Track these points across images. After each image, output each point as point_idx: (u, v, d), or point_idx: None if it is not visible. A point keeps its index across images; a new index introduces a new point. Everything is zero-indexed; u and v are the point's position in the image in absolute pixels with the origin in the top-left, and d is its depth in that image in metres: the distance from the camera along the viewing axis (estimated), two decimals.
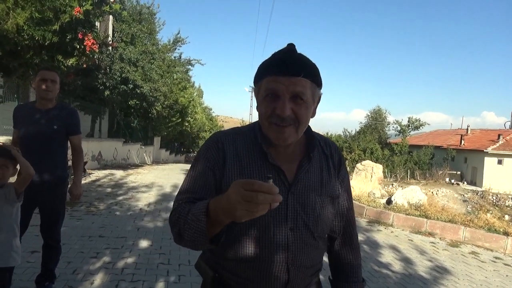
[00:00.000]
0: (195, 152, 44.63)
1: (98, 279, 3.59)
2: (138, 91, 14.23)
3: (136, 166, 17.02)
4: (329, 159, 1.28)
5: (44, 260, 3.14)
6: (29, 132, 2.99)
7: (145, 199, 7.93)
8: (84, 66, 8.71)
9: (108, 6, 7.68)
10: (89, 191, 8.30)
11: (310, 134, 1.27)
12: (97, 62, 13.08)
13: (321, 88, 1.19)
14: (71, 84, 12.52)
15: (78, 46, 7.45)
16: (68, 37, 7.21)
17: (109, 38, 13.95)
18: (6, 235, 2.34)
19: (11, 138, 8.53)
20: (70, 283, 3.46)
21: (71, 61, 7.72)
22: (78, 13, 6.89)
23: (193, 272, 3.83)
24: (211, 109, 48.27)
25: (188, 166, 22.96)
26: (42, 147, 2.95)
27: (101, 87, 13.44)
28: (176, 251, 4.41)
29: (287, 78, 1.08)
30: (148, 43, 17.55)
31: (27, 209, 2.97)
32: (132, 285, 3.46)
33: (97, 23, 9.51)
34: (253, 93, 1.23)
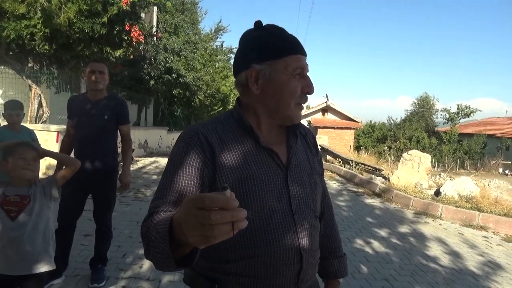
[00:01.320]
0: None
1: (146, 263, 3.74)
2: (181, 81, 14.52)
3: None
4: (307, 138, 1.28)
5: (96, 244, 3.32)
6: (82, 122, 3.13)
7: None
8: (131, 57, 9.00)
9: None
10: (136, 178, 8.64)
11: None
12: (142, 53, 13.51)
13: None
14: (119, 74, 13.03)
15: (125, 38, 7.72)
16: (116, 29, 7.47)
17: (154, 29, 14.31)
18: (43, 237, 2.10)
19: (65, 127, 9.02)
20: (120, 266, 3.64)
21: (118, 52, 8.01)
22: (125, 5, 7.11)
23: None
24: None
25: None
26: (94, 136, 3.09)
27: (146, 77, 13.86)
28: None
29: (304, 56, 1.12)
30: (191, 32, 17.81)
31: (80, 195, 3.14)
32: (179, 270, 3.57)
33: (143, 15, 9.75)
34: (256, 71, 1.08)
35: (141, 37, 7.73)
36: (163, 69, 14.03)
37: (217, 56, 21.23)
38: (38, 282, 2.08)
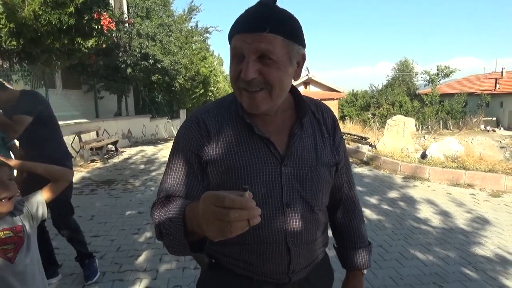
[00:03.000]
0: None
1: (142, 254, 3.72)
2: (159, 66, 14.20)
3: (165, 140, 17.30)
4: (322, 125, 1.15)
5: (70, 244, 3.26)
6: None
7: None
8: (104, 46, 8.71)
9: None
10: (123, 169, 8.54)
11: (299, 98, 1.13)
12: (116, 41, 13.10)
13: (303, 45, 1.01)
14: (93, 65, 12.65)
15: (95, 27, 7.43)
16: (85, 18, 7.18)
17: (125, 15, 13.85)
18: (39, 269, 1.69)
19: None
20: (116, 260, 3.60)
21: (90, 42, 7.73)
22: None
23: None
24: None
25: None
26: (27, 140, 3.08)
27: (122, 65, 13.50)
28: None
29: (251, 34, 0.92)
30: (164, 15, 17.31)
31: None
32: (175, 258, 3.57)
33: (111, 1, 9.39)
34: None
35: (112, 24, 7.47)
36: (139, 55, 13.67)
37: (193, 37, 20.75)
38: None
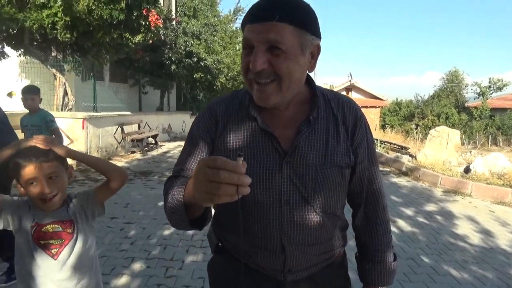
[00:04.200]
0: None
1: (170, 244, 3.80)
2: (202, 64, 14.50)
3: None
4: (340, 123, 1.06)
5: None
6: None
7: None
8: (150, 42, 9.03)
9: None
10: (160, 162, 8.78)
11: (313, 92, 1.07)
12: (162, 38, 13.53)
13: (317, 35, 0.96)
14: (140, 60, 13.13)
15: (143, 23, 7.72)
16: (134, 14, 7.48)
17: (172, 13, 14.27)
18: (93, 272, 1.53)
19: (92, 113, 9.22)
20: (145, 247, 3.71)
21: (138, 38, 8.04)
22: None
23: None
24: None
25: None
26: None
27: (167, 62, 13.92)
28: None
29: (260, 24, 0.89)
30: (210, 15, 17.66)
31: None
32: (201, 251, 3.62)
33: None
34: None
35: (159, 21, 7.72)
36: (183, 53, 14.03)
37: (237, 38, 21.02)
38: None
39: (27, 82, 11.05)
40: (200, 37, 15.01)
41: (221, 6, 27.46)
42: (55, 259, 1.40)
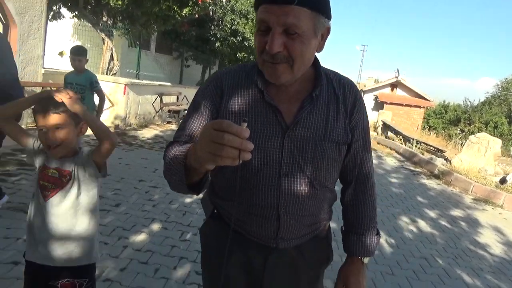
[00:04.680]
0: None
1: (189, 211, 3.97)
2: (246, 44, 14.53)
3: None
4: (340, 101, 1.11)
5: None
6: None
7: None
8: (197, 16, 9.15)
9: None
10: None
11: (318, 71, 1.11)
12: (211, 14, 13.65)
13: (329, 18, 0.99)
14: (186, 34, 13.36)
15: None
16: None
17: None
18: (84, 225, 1.58)
19: (134, 80, 9.54)
20: (166, 211, 3.90)
21: (185, 11, 8.19)
22: None
23: None
24: None
25: None
26: None
27: (212, 39, 14.06)
28: None
29: (279, 6, 0.90)
30: None
31: None
32: None
33: None
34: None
35: None
36: (229, 31, 14.11)
37: None
38: (72, 276, 1.57)
39: (78, 44, 11.59)
40: (248, 16, 15.00)
41: None
42: (45, 201, 1.51)
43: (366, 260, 1.25)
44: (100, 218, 3.44)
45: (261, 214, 1.08)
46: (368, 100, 29.92)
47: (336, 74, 1.17)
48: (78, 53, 4.18)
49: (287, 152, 1.05)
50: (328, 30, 1.03)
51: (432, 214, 5.37)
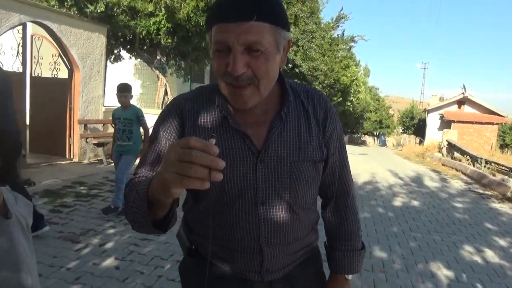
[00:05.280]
0: (359, 133, 43.67)
1: None
2: (296, 71, 14.61)
3: None
4: (311, 116, 1.03)
5: None
6: None
7: None
8: None
9: None
10: None
11: (283, 87, 1.02)
12: None
13: (288, 30, 0.92)
14: None
15: None
16: None
17: None
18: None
19: None
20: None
21: None
22: None
23: None
24: (377, 89, 45.92)
25: (352, 148, 22.60)
26: None
27: None
28: None
29: (236, 24, 0.83)
30: (311, 22, 17.70)
31: None
32: None
33: None
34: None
35: None
36: None
37: (337, 45, 20.68)
38: None
39: (139, 82, 12.45)
40: (298, 43, 15.15)
41: (323, 13, 27.28)
42: None
43: (350, 276, 1.18)
44: (140, 247, 3.55)
45: (241, 248, 1.00)
46: (433, 120, 28.34)
47: (303, 86, 1.09)
48: (123, 90, 4.45)
49: (262, 178, 0.97)
50: (289, 43, 0.96)
51: (502, 242, 4.78)
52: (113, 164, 4.96)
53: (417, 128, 33.78)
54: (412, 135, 36.36)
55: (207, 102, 1.02)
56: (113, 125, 4.65)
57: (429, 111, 29.33)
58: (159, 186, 0.75)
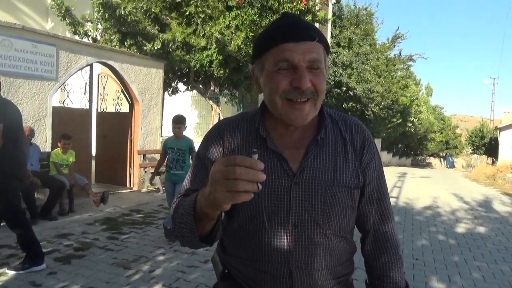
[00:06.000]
0: (423, 154, 41.40)
1: None
2: (350, 93, 14.42)
3: None
4: (348, 143, 1.06)
5: None
6: None
7: None
8: None
9: (310, 14, 8.16)
10: None
11: (321, 113, 1.06)
12: None
13: (328, 55, 1.02)
14: None
15: None
16: None
17: None
18: None
19: None
20: None
21: None
22: None
23: None
24: (442, 108, 43.55)
25: (414, 170, 21.50)
26: None
27: None
28: None
29: (302, 44, 0.93)
30: (365, 44, 17.50)
31: None
32: None
33: None
34: (254, 72, 1.06)
35: None
36: (332, 83, 14.25)
37: (394, 65, 20.14)
38: None
39: (196, 112, 13.03)
40: (352, 66, 15.01)
41: (378, 34, 26.80)
42: None
43: None
44: (187, 274, 3.64)
45: (272, 271, 1.00)
46: (507, 138, 26.13)
47: (341, 114, 1.13)
48: (178, 122, 4.71)
49: (296, 201, 0.99)
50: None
51: None
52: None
53: (489, 147, 31.32)
54: (484, 156, 33.73)
55: (248, 125, 1.08)
56: (162, 153, 4.91)
57: (501, 129, 27.17)
58: (208, 203, 0.82)
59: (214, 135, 1.09)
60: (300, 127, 1.02)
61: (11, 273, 3.40)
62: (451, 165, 41.69)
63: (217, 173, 0.74)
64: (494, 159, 27.50)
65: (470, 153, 40.82)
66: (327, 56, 1.00)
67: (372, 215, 1.12)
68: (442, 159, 43.48)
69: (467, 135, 39.70)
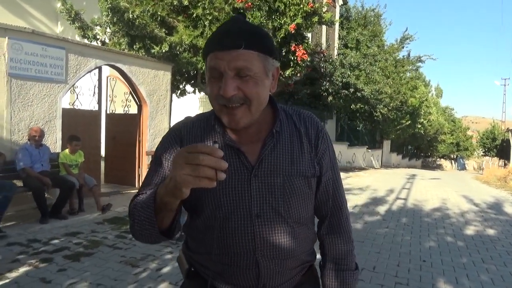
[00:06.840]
0: (434, 156, 40.95)
1: None
2: (358, 95, 14.37)
3: (361, 169, 17.15)
4: (303, 135, 1.11)
5: None
6: None
7: (353, 201, 7.95)
8: (298, 75, 9.56)
9: (317, 16, 8.18)
10: None
11: (275, 109, 1.11)
12: (322, 71, 14.08)
13: (277, 59, 1.03)
14: (299, 93, 13.94)
15: (292, 58, 8.29)
16: (284, 50, 8.13)
17: (323, 46, 14.74)
18: None
19: None
20: None
21: (287, 72, 8.66)
22: (293, 30, 7.72)
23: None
24: (452, 109, 43.11)
25: (423, 172, 21.32)
26: None
27: (324, 94, 14.33)
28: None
29: (227, 52, 0.94)
30: (374, 45, 17.44)
31: None
32: None
33: (309, 34, 10.24)
34: None
35: (305, 55, 8.18)
36: (340, 84, 14.22)
37: (403, 66, 20.00)
38: None
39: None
40: (360, 67, 14.97)
41: (386, 35, 26.69)
42: None
43: None
44: None
45: (238, 262, 1.04)
46: None
47: (295, 109, 1.17)
48: None
49: (256, 192, 1.03)
50: (277, 70, 1.06)
51: None
52: None
53: (500, 149, 30.92)
54: (495, 158, 33.27)
55: (205, 124, 1.12)
56: None
57: None
58: (168, 189, 0.85)
59: (171, 136, 1.12)
60: (255, 123, 1.06)
61: (22, 269, 3.48)
62: (462, 167, 41.18)
63: (180, 158, 0.78)
64: (506, 161, 27.11)
65: (482, 155, 40.31)
66: (270, 60, 1.00)
67: (329, 202, 1.18)
68: (453, 161, 42.99)
69: (478, 137, 39.24)
